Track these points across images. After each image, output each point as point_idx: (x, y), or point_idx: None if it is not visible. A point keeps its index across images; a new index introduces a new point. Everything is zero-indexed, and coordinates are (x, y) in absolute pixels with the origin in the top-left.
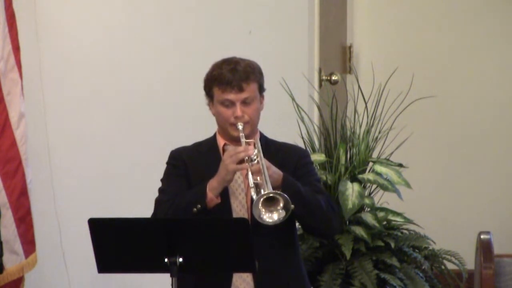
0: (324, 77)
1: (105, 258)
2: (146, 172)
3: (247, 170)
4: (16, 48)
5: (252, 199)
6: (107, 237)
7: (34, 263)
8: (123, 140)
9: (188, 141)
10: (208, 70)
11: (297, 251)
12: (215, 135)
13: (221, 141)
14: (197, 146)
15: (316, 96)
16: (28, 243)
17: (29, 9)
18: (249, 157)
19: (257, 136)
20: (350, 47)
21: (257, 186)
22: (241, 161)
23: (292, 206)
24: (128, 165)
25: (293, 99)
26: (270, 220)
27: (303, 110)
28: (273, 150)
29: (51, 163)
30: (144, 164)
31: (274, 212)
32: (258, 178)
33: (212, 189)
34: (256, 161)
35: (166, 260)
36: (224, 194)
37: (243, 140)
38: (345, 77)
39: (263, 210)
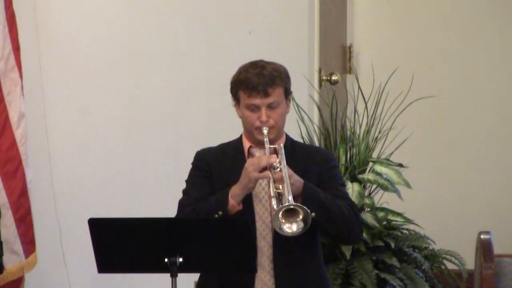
0: (324, 77)
1: (105, 258)
2: (146, 172)
3: (270, 177)
4: (16, 48)
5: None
6: (107, 237)
7: (34, 263)
8: (123, 140)
9: (189, 142)
10: (235, 72)
11: (318, 255)
12: (241, 136)
13: (246, 144)
14: (223, 147)
15: (316, 96)
16: (28, 243)
17: (29, 9)
18: (271, 165)
19: (282, 142)
20: (350, 47)
21: (279, 195)
22: (264, 169)
23: (313, 214)
24: (128, 165)
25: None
26: (289, 231)
27: (303, 110)
28: (298, 153)
29: (51, 163)
30: (144, 164)
31: (294, 223)
32: (280, 186)
33: (234, 196)
34: (278, 169)
35: (166, 260)
36: (248, 197)
37: (267, 145)
38: (345, 77)
39: (283, 220)
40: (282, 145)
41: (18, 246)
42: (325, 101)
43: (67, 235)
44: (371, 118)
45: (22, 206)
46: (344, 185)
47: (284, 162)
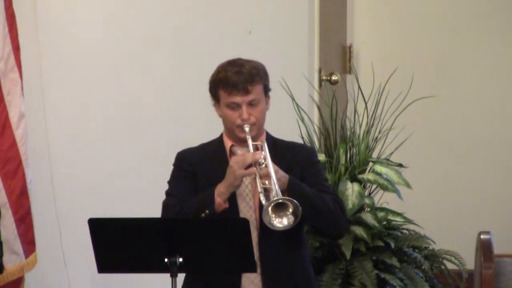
0: (324, 77)
1: (105, 258)
2: (146, 172)
3: (255, 174)
4: (16, 48)
5: (260, 202)
6: (107, 237)
7: (34, 263)
8: (123, 140)
9: (189, 141)
10: (213, 71)
11: (305, 252)
12: (221, 135)
13: (228, 142)
14: (204, 147)
15: (316, 96)
16: (28, 243)
17: (29, 9)
18: (256, 161)
19: (264, 137)
20: (350, 47)
21: (266, 191)
22: (249, 166)
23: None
24: (128, 165)
25: (293, 99)
26: (280, 225)
27: (303, 110)
28: (280, 149)
29: (51, 163)
30: (144, 164)
31: (284, 217)
32: (266, 182)
33: (220, 194)
34: (264, 165)
35: (166, 260)
36: (232, 196)
37: (250, 142)
38: (345, 77)
39: (273, 216)
40: (265, 140)
41: (18, 246)
42: (325, 101)
43: (67, 235)
44: (371, 118)
45: (22, 206)
46: (327, 180)
47: (268, 158)
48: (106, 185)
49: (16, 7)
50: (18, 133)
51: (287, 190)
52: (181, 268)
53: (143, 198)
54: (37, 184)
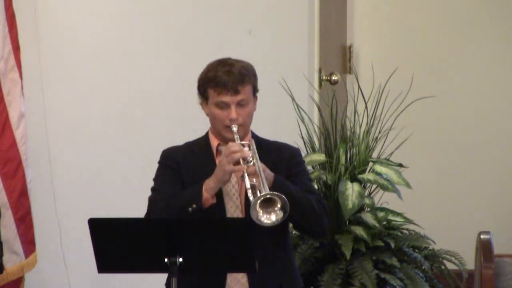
0: (324, 77)
1: (105, 258)
2: (146, 172)
3: (243, 171)
4: (16, 48)
5: (246, 201)
6: (107, 237)
7: (34, 263)
8: (123, 140)
9: (190, 140)
10: (203, 70)
11: (290, 251)
12: (207, 134)
13: (214, 141)
14: (190, 145)
15: (316, 96)
16: (28, 243)
17: (29, 9)
18: (245, 158)
19: (250, 136)
20: (350, 47)
21: (253, 188)
22: (237, 162)
23: None
24: (128, 165)
25: (293, 99)
26: (268, 221)
27: (303, 110)
28: (265, 149)
29: (51, 163)
30: (144, 164)
31: (272, 213)
32: (254, 179)
33: (208, 189)
34: (252, 163)
35: (166, 260)
36: (218, 194)
37: (238, 142)
38: (345, 77)
39: (261, 211)
40: (252, 139)
41: (18, 246)
42: (325, 101)
43: (67, 235)
44: (371, 118)
45: (22, 206)
46: (310, 180)
47: (257, 156)
48: (106, 185)
49: (16, 7)
50: (18, 133)
51: (272, 188)
52: (181, 268)
53: (143, 198)
54: (37, 184)
